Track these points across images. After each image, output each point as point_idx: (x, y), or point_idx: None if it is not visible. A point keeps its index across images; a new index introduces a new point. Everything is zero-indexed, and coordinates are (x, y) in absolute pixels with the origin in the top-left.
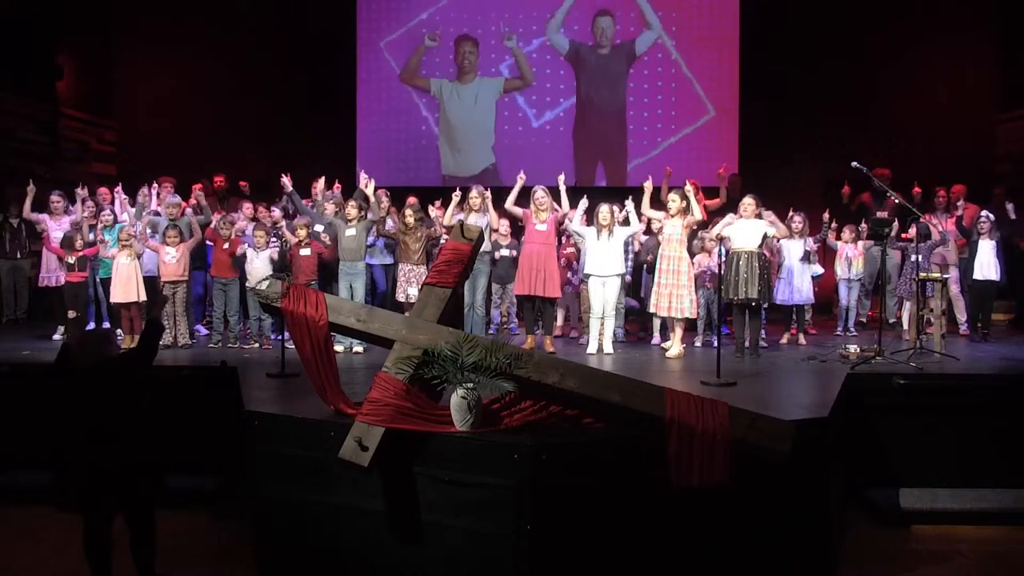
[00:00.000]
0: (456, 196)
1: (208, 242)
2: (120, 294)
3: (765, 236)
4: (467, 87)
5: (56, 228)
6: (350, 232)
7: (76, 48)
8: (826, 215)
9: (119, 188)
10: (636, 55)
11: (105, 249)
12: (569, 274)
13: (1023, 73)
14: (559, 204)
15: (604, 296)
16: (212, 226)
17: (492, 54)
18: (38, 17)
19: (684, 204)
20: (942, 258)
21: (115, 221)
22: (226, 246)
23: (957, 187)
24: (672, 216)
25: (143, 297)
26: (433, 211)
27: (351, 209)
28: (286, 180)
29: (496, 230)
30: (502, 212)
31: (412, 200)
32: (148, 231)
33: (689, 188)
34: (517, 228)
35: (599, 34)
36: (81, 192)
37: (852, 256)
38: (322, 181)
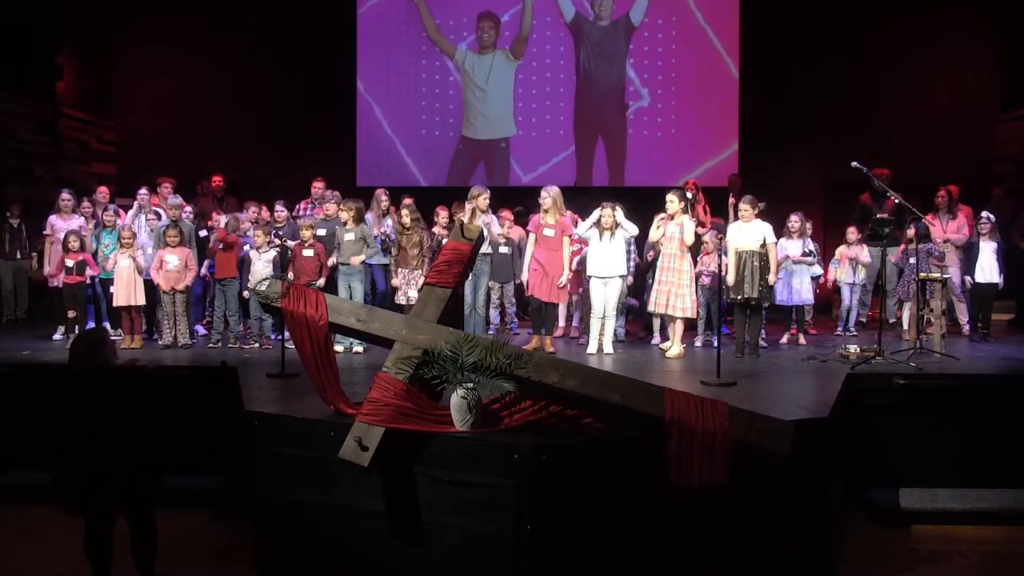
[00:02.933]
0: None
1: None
2: (121, 297)
3: (764, 239)
4: (484, 58)
5: (64, 228)
6: (348, 237)
7: (76, 48)
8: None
9: (124, 216)
10: (635, 26)
11: (104, 254)
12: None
13: (1023, 73)
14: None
15: (605, 296)
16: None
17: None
18: (38, 17)
19: (683, 204)
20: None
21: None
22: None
23: (952, 188)
24: (671, 216)
25: (143, 300)
26: (442, 213)
27: (349, 212)
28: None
29: (502, 228)
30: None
31: (408, 200)
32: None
33: (687, 194)
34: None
35: (598, 7)
36: (86, 208)
37: (854, 259)
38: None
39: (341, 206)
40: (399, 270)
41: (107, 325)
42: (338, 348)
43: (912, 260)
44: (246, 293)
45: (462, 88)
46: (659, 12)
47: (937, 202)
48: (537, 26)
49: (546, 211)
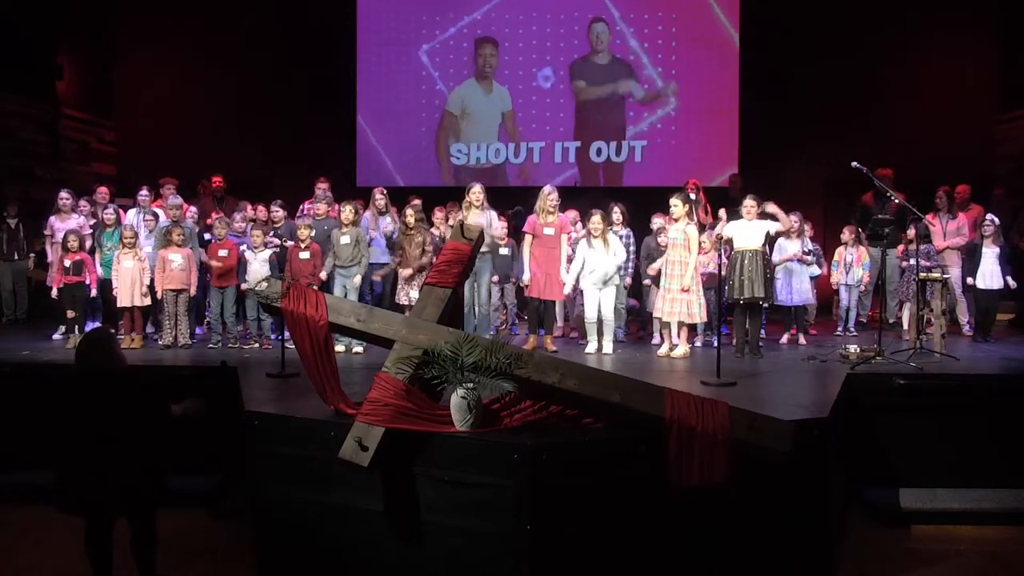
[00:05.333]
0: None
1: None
2: (125, 298)
3: (768, 235)
4: (482, 86)
5: (62, 228)
6: (344, 240)
7: (76, 48)
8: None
9: (124, 217)
10: (629, 60)
11: (106, 257)
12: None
13: (1023, 73)
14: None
15: (599, 299)
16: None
17: (505, 57)
18: (38, 17)
19: (687, 208)
20: (942, 258)
21: (117, 222)
22: (222, 252)
23: (961, 187)
24: (675, 221)
25: (148, 300)
26: (439, 215)
27: (347, 214)
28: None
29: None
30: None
31: (416, 201)
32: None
33: (691, 195)
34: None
35: (595, 40)
36: (84, 207)
37: (851, 260)
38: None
39: (343, 207)
40: (400, 269)
41: (95, 324)
42: (339, 348)
43: (912, 260)
44: (244, 286)
45: (458, 117)
46: (660, 12)
47: (936, 202)
48: (535, 47)
49: (550, 211)
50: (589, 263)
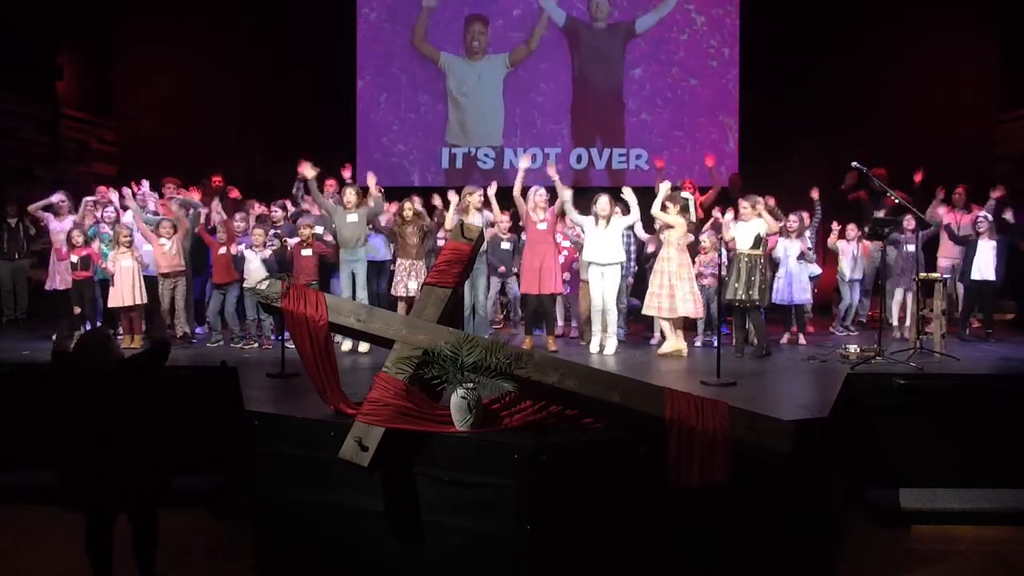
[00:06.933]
0: (453, 199)
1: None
2: (127, 296)
3: (759, 236)
4: (475, 64)
5: (60, 229)
6: (351, 219)
7: (76, 48)
8: (814, 193)
9: (126, 192)
10: (636, 33)
11: (103, 252)
12: (567, 275)
13: (1023, 73)
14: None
15: (603, 286)
16: (209, 226)
17: (501, 33)
18: (38, 17)
19: (677, 208)
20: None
21: (117, 219)
22: (222, 251)
23: (959, 188)
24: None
25: (145, 299)
26: (437, 200)
27: (350, 195)
28: (307, 170)
29: (493, 225)
30: (504, 205)
31: (410, 197)
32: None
33: (687, 194)
34: (517, 223)
35: (594, 8)
36: (88, 201)
37: (856, 255)
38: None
39: (345, 190)
40: (399, 259)
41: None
42: (346, 346)
43: (911, 248)
44: (245, 285)
45: (446, 94)
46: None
47: (954, 199)
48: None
49: (541, 207)
50: (592, 241)
